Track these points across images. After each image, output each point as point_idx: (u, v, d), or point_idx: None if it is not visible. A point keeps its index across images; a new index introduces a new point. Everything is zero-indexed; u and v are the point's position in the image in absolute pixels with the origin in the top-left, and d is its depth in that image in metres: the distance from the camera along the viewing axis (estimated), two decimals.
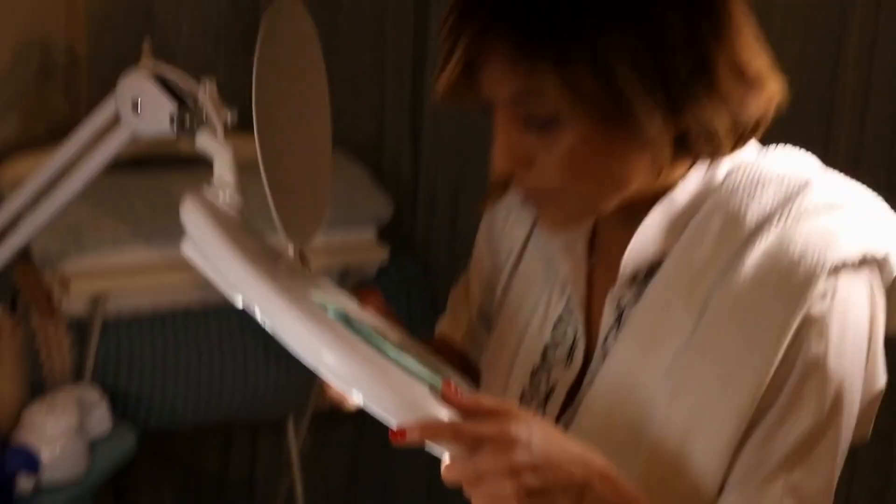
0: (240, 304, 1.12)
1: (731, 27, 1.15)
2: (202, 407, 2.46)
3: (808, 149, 1.27)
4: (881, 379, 1.23)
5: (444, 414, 1.09)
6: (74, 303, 2.28)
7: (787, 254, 1.17)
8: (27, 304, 2.28)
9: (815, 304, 1.16)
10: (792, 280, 1.16)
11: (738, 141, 1.21)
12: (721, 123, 1.16)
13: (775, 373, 1.16)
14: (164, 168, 2.58)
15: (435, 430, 1.08)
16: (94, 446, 2.16)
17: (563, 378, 1.31)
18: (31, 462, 2.01)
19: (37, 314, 2.28)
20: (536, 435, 1.08)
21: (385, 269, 2.64)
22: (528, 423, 1.10)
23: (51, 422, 2.06)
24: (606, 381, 1.24)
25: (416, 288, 2.74)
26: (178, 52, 2.73)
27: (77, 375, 2.32)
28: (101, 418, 2.21)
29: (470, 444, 1.07)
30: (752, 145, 1.25)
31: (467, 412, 1.10)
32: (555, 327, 1.33)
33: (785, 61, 1.21)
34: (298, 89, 1.21)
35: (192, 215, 1.14)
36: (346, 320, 1.19)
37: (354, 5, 2.79)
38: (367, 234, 2.62)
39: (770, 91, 1.19)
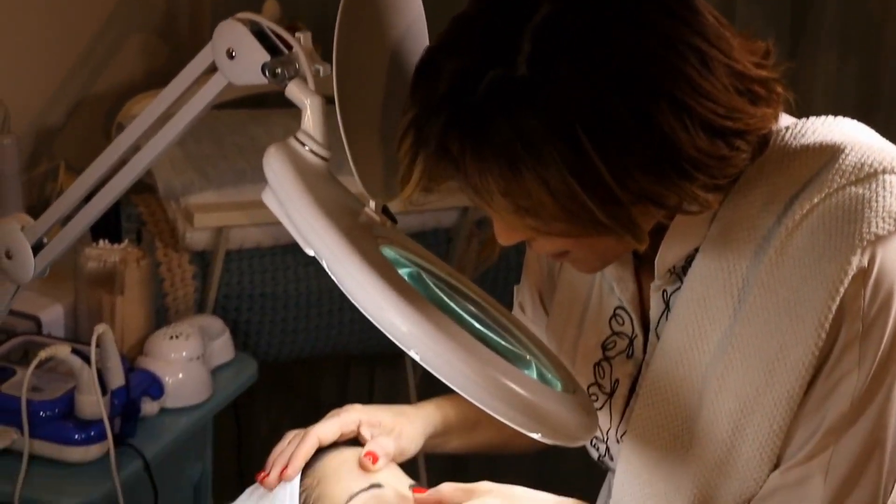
0: (311, 253, 1.13)
1: (694, 81, 1.07)
2: (321, 339, 2.52)
3: None
4: None
5: (509, 382, 1.08)
6: (198, 236, 2.34)
7: (819, 233, 1.14)
8: (152, 236, 2.35)
9: (852, 283, 1.12)
10: (825, 260, 1.13)
11: (733, 183, 1.16)
12: (700, 189, 1.10)
13: (819, 355, 1.14)
14: (287, 105, 2.64)
15: None
16: (216, 374, 2.21)
17: (625, 370, 1.31)
18: (155, 387, 2.07)
19: (161, 246, 2.35)
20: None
21: None
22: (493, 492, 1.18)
23: (174, 349, 2.12)
24: (660, 367, 1.24)
25: None
26: (300, 6, 2.75)
27: (200, 306, 2.40)
28: (223, 347, 2.27)
29: None
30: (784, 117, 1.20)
31: None
32: (612, 320, 1.32)
33: None
34: (390, 42, 1.21)
35: (273, 164, 1.15)
36: (419, 280, 1.18)
37: None
38: None
39: (762, 123, 1.13)
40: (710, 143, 1.08)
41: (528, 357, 1.20)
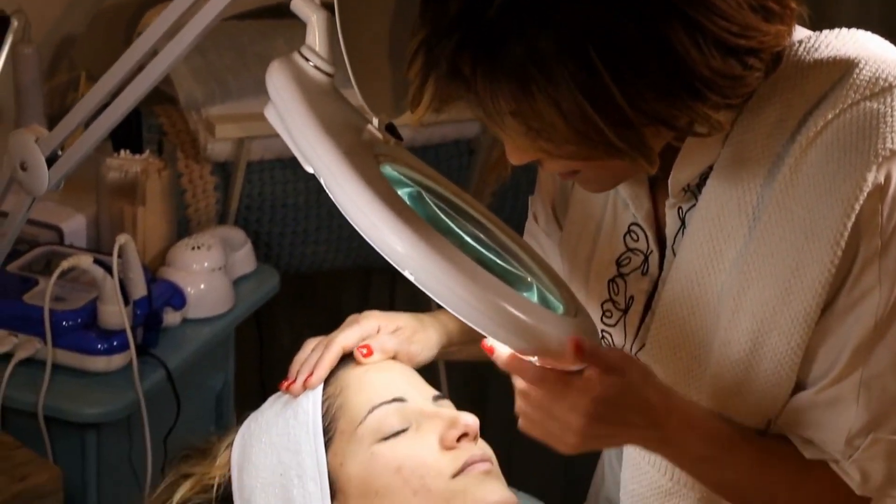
0: (310, 170, 1.11)
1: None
2: (343, 250, 2.52)
3: None
4: None
5: (506, 305, 1.07)
6: (219, 147, 2.33)
7: (833, 149, 1.13)
8: (173, 146, 2.35)
9: (869, 200, 1.11)
10: (839, 177, 1.12)
11: (745, 101, 1.15)
12: (711, 109, 1.09)
13: (836, 273, 1.13)
14: None
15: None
16: (238, 285, 2.23)
17: (639, 287, 1.30)
18: (177, 297, 2.09)
19: (183, 157, 2.35)
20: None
21: None
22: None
23: (196, 260, 2.13)
24: (677, 285, 1.24)
25: None
26: None
27: (222, 217, 2.40)
28: (245, 258, 2.28)
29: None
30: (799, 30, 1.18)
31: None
32: (626, 237, 1.31)
33: None
34: None
35: (275, 79, 1.13)
36: (420, 199, 1.17)
37: None
38: None
39: (776, 41, 1.10)
40: (723, 63, 1.07)
41: (529, 279, 1.20)
